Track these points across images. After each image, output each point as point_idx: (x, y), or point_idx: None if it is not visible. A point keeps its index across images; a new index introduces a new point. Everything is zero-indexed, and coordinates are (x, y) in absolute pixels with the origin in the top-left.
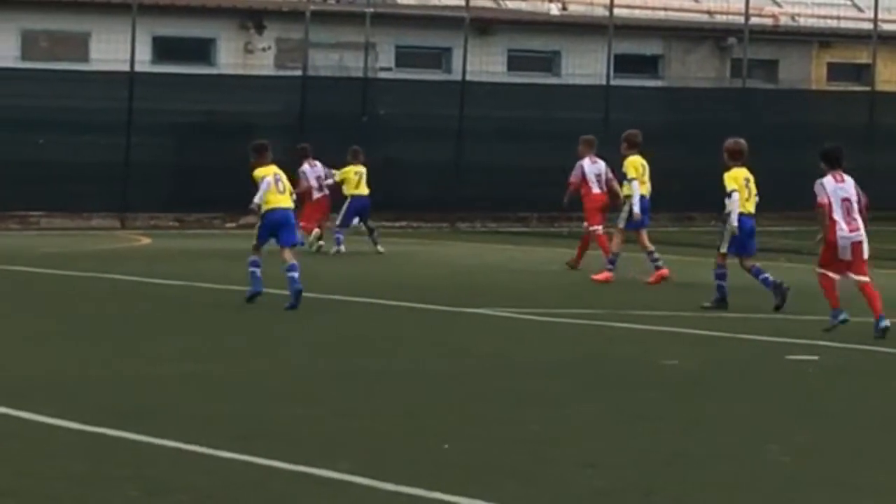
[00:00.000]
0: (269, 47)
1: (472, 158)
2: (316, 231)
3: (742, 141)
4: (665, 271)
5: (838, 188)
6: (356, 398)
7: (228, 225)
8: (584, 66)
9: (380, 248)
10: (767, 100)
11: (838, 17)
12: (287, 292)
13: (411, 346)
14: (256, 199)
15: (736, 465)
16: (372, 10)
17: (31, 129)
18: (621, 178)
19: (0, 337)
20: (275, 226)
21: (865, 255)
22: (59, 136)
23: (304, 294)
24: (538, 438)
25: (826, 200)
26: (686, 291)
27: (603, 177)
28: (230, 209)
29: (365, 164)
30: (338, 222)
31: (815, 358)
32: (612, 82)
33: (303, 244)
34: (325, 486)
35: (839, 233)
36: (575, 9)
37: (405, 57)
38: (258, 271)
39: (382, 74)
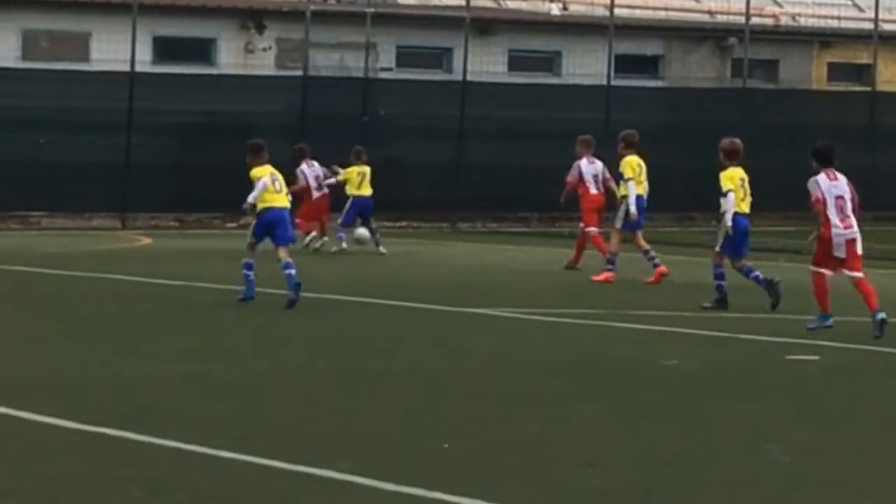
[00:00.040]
0: (270, 47)
1: (472, 158)
2: (312, 234)
3: (738, 141)
4: (664, 268)
5: (832, 186)
6: (356, 398)
7: (229, 225)
8: (585, 66)
9: (381, 248)
10: (768, 100)
11: (839, 17)
12: (286, 291)
13: (411, 346)
14: (250, 199)
15: (736, 465)
16: (372, 10)
17: (31, 129)
18: (618, 178)
19: (0, 337)
20: (270, 224)
21: (859, 252)
22: (59, 136)
23: (304, 294)
24: (538, 438)
25: (821, 196)
26: (686, 291)
27: (600, 177)
28: (231, 209)
29: (369, 165)
30: (339, 221)
31: (816, 358)
32: (613, 82)
33: (294, 241)
34: (325, 486)
35: (833, 230)
36: (575, 9)
37: (406, 57)
38: (252, 275)
39: (383, 74)
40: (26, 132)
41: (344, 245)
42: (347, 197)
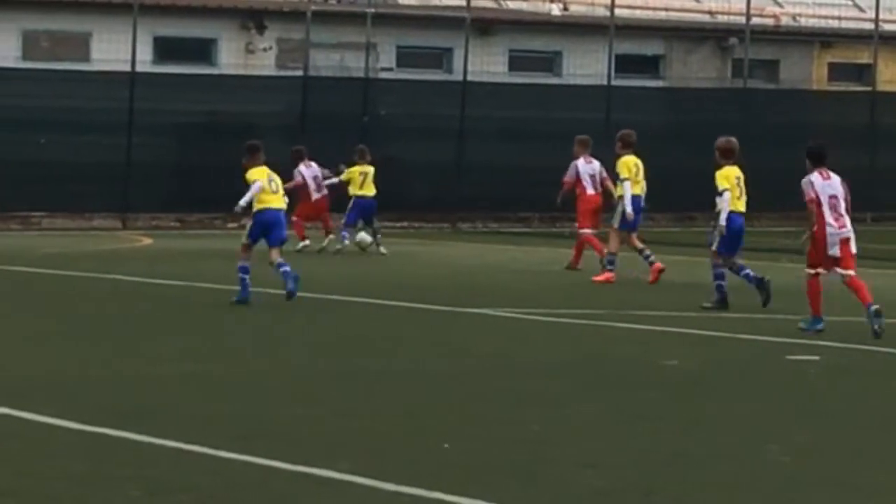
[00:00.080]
0: (271, 47)
1: (473, 159)
2: (305, 242)
3: (733, 139)
4: (659, 264)
5: (826, 185)
6: (356, 398)
7: (230, 225)
8: (586, 67)
9: (382, 249)
10: (768, 100)
11: (839, 18)
12: (282, 291)
13: (411, 346)
14: (242, 202)
15: (736, 465)
16: (373, 10)
17: (32, 130)
18: (615, 177)
19: (0, 337)
20: (266, 225)
21: (853, 251)
22: (60, 136)
23: (304, 294)
24: (538, 438)
25: (814, 196)
26: (686, 292)
27: (597, 177)
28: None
29: (372, 164)
30: (343, 221)
31: (817, 358)
32: (614, 82)
33: (285, 242)
34: (325, 487)
35: (828, 229)
36: (576, 9)
37: (406, 57)
38: (247, 278)
39: (383, 75)
40: (27, 132)
41: (347, 243)
42: (350, 197)
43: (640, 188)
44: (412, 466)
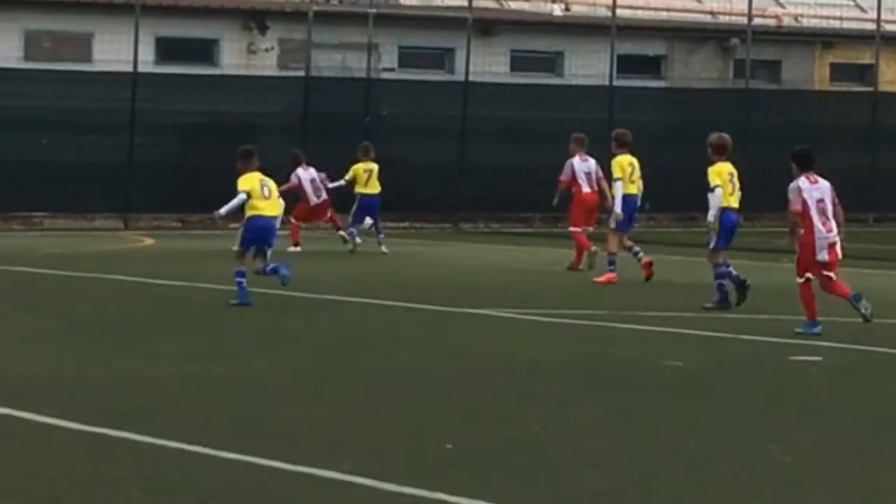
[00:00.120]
0: (272, 48)
1: (474, 159)
2: (298, 248)
3: (725, 135)
4: (647, 259)
5: (813, 189)
6: (356, 398)
7: (232, 225)
8: (587, 67)
9: (384, 248)
10: (770, 100)
11: (841, 18)
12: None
13: (412, 346)
14: (222, 211)
15: (736, 465)
16: (375, 10)
17: (34, 130)
18: (610, 177)
19: (0, 337)
20: (259, 232)
21: (839, 256)
22: (62, 136)
23: (304, 295)
24: (539, 438)
25: (800, 208)
26: (687, 292)
27: (593, 175)
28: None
29: (376, 161)
30: (349, 221)
31: (819, 359)
32: (615, 83)
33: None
34: (326, 487)
35: (816, 234)
36: (578, 9)
37: (408, 57)
38: (244, 282)
39: (385, 75)
40: (29, 133)
41: (358, 240)
42: (355, 196)
43: (637, 187)
44: (413, 466)
